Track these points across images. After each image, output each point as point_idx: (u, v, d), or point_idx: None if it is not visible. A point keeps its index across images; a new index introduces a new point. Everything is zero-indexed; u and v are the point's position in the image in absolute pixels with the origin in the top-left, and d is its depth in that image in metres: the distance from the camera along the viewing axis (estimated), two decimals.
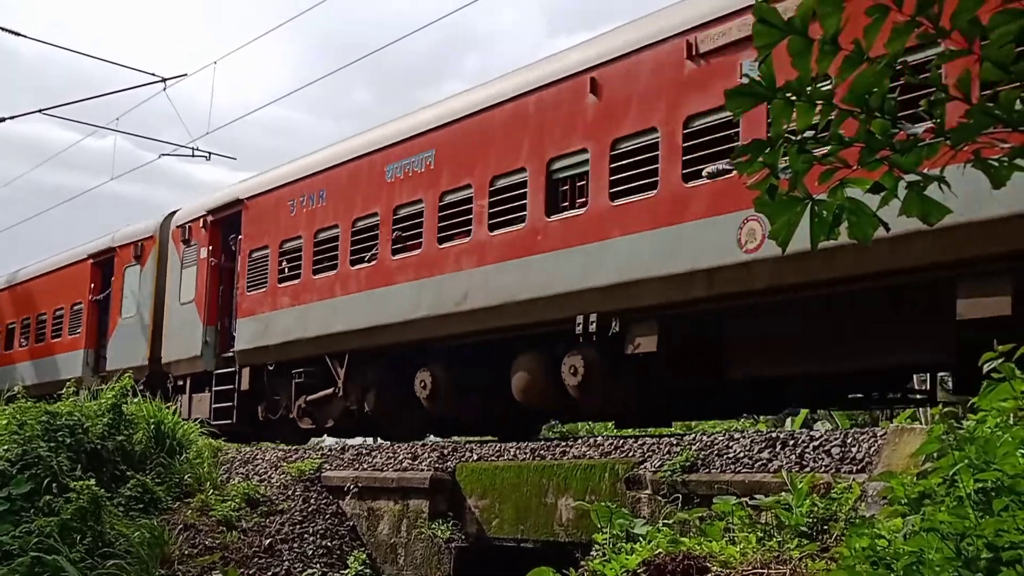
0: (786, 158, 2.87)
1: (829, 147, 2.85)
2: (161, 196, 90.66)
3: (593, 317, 11.34)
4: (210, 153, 26.38)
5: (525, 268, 12.21)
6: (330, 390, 15.61)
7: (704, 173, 10.34)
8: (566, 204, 12.13)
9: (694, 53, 10.60)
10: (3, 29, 24.06)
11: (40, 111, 25.99)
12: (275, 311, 16.66)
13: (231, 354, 17.78)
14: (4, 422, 12.67)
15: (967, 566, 4.29)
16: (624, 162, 11.27)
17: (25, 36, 25.51)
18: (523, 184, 12.42)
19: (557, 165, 12.11)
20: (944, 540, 4.41)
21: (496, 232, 12.70)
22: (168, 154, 27.70)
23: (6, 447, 11.98)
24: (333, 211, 15.66)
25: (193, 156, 25.81)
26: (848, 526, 6.24)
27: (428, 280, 13.55)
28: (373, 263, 14.61)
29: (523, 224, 12.37)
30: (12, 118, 26.26)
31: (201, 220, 19.15)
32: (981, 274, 8.52)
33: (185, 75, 23.65)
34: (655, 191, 10.85)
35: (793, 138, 2.86)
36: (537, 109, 12.46)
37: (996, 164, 2.84)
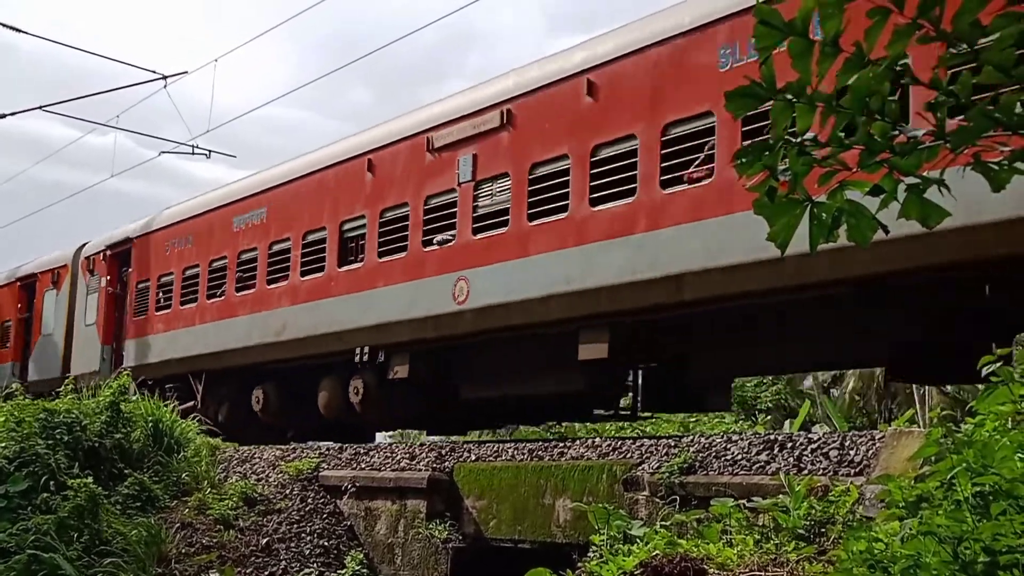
0: (786, 160, 2.87)
1: (829, 149, 2.85)
2: (162, 193, 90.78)
3: (367, 349, 14.41)
4: (210, 151, 26.35)
5: (323, 308, 15.45)
6: (191, 403, 18.30)
7: (435, 241, 13.62)
8: (352, 258, 15.36)
9: (431, 147, 13.86)
10: (4, 25, 24.03)
11: (41, 107, 25.94)
12: (153, 335, 20.02)
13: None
14: (2, 419, 12.66)
15: (964, 570, 4.29)
16: (388, 227, 14.47)
17: (26, 32, 25.47)
18: (324, 240, 15.72)
19: (347, 226, 15.41)
20: (941, 544, 4.40)
21: (305, 277, 15.99)
22: (168, 152, 27.63)
23: (4, 444, 11.98)
24: (196, 253, 19.14)
25: (193, 154, 25.80)
26: (846, 529, 6.24)
27: (259, 314, 16.95)
28: (223, 298, 18.00)
29: (323, 272, 15.64)
30: (13, 114, 26.25)
31: (102, 254, 22.24)
32: (591, 327, 11.62)
33: (186, 73, 23.65)
34: (405, 252, 14.10)
35: (793, 140, 2.85)
36: (335, 180, 15.81)
37: (996, 167, 2.84)
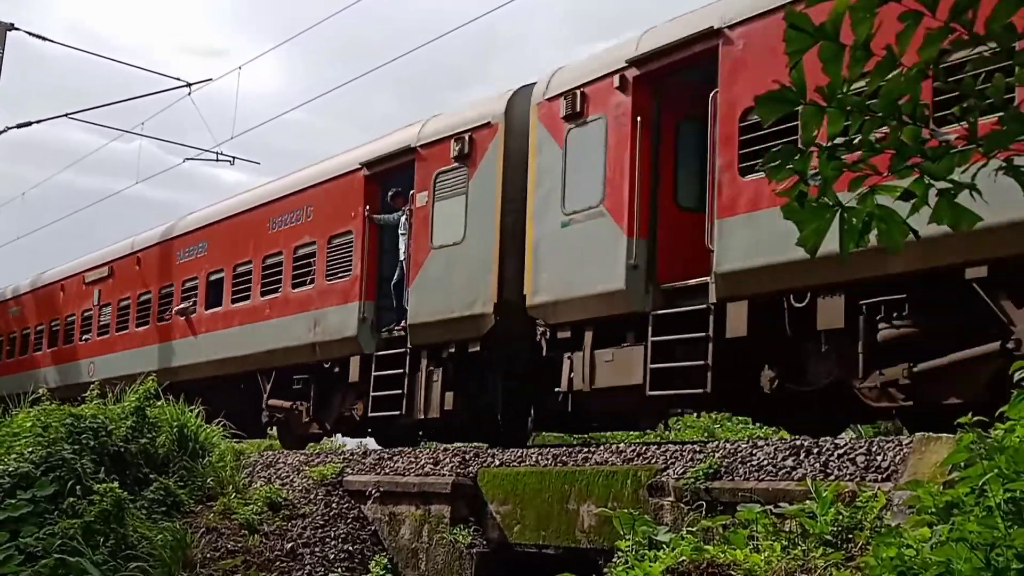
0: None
1: (859, 153, 2.83)
2: (187, 199, 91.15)
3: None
4: (234, 158, 26.50)
5: (36, 373, 25.96)
6: None
7: (82, 339, 24.02)
8: (54, 345, 26.27)
9: (85, 282, 24.52)
10: (30, 34, 24.24)
11: (67, 115, 26.19)
12: None
13: None
14: (29, 424, 12.75)
15: None
16: (66, 328, 25.40)
17: (52, 41, 25.68)
18: (43, 331, 27.08)
19: (53, 325, 26.36)
20: (973, 550, 4.36)
21: (36, 352, 27.20)
22: (192, 158, 27.79)
23: (31, 449, 12.05)
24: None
25: (217, 161, 25.94)
26: (874, 535, 6.19)
27: (28, 371, 26.90)
28: (13, 359, 29.21)
29: (41, 351, 27.05)
30: (39, 122, 26.50)
31: None
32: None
33: (210, 80, 23.86)
34: (72, 343, 24.72)
35: (823, 144, 2.83)
36: (45, 296, 27.30)
37: None
